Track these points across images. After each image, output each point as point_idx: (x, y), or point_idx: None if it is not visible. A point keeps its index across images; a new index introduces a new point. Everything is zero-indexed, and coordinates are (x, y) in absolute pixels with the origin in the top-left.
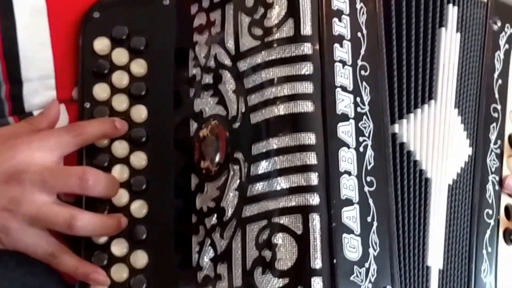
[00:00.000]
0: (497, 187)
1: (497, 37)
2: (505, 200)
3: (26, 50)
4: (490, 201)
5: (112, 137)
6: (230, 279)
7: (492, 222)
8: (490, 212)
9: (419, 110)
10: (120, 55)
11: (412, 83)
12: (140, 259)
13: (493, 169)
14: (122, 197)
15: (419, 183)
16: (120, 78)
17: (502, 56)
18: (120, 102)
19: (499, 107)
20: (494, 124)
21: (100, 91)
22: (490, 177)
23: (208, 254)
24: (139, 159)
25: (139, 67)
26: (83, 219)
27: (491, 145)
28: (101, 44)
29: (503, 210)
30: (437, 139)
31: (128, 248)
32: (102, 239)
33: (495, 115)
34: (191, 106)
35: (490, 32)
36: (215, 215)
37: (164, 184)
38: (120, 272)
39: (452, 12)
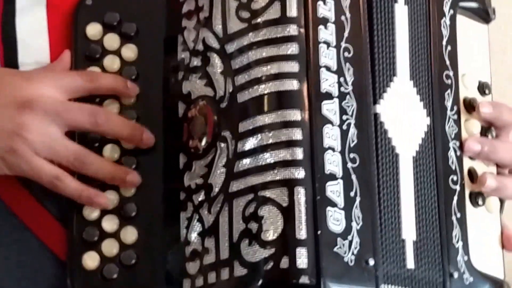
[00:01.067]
0: (458, 153)
1: (441, 4)
2: (467, 164)
3: (23, 36)
4: (453, 167)
5: (121, 96)
6: (217, 252)
7: (458, 187)
8: (455, 178)
9: (388, 89)
10: (112, 40)
11: (384, 63)
12: (130, 235)
13: (452, 136)
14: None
15: (392, 159)
16: (112, 62)
17: (448, 22)
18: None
19: (451, 73)
20: (449, 90)
21: None
22: (451, 144)
23: (196, 229)
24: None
25: (130, 52)
26: (91, 155)
27: (448, 112)
28: (93, 30)
29: (467, 174)
30: (402, 114)
31: (119, 225)
32: (94, 214)
33: (448, 81)
34: (179, 88)
35: (434, 0)
36: (203, 191)
37: (153, 163)
38: (110, 247)
39: None
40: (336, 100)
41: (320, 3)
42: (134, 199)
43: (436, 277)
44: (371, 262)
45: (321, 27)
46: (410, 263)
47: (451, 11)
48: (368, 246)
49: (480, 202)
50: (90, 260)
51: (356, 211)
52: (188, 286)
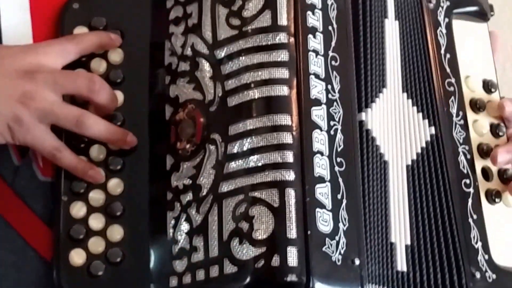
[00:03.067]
0: (468, 156)
1: (435, 15)
2: (480, 163)
3: (8, 41)
4: (465, 171)
5: (107, 48)
6: (206, 250)
7: (471, 190)
8: (468, 181)
9: (377, 99)
10: None
11: (373, 75)
12: (116, 233)
13: (461, 141)
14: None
15: (379, 166)
16: (98, 65)
17: (444, 31)
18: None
19: (453, 80)
20: (452, 97)
21: None
22: (460, 149)
23: (184, 228)
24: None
25: (116, 55)
26: (92, 117)
27: (454, 119)
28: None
29: (481, 173)
30: (392, 124)
31: (105, 223)
32: (81, 213)
33: (451, 89)
34: (166, 92)
35: (427, 12)
36: (191, 191)
37: (139, 164)
38: (97, 245)
39: (390, 2)
40: (324, 107)
41: (309, 12)
42: (120, 198)
43: (434, 279)
44: (357, 262)
45: (310, 36)
46: (402, 266)
47: (446, 19)
48: (354, 246)
49: (497, 199)
50: (77, 256)
51: (343, 213)
52: (175, 284)
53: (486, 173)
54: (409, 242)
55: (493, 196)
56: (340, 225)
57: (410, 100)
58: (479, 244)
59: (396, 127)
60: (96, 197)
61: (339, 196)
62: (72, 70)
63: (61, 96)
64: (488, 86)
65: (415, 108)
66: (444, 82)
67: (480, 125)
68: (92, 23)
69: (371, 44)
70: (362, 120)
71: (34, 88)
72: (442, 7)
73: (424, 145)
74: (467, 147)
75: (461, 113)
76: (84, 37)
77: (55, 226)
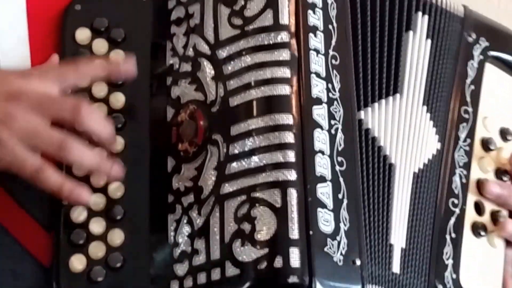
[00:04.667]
0: (464, 180)
1: (471, 48)
2: (475, 197)
3: (4, 46)
4: (456, 191)
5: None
6: (208, 253)
7: (457, 210)
8: (456, 201)
9: (383, 101)
10: (100, 45)
11: (376, 76)
12: (117, 237)
13: (461, 164)
14: (100, 179)
15: (383, 167)
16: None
17: (475, 65)
18: (99, 89)
19: (470, 109)
20: (465, 123)
21: None
22: (458, 170)
23: (185, 231)
24: (116, 145)
25: (117, 57)
26: (76, 144)
27: (460, 142)
28: (82, 34)
29: (473, 206)
30: (402, 130)
31: (106, 227)
32: (81, 217)
33: (466, 116)
34: (168, 93)
35: (464, 42)
36: (192, 193)
37: (140, 166)
38: (97, 250)
39: (421, 20)
40: (325, 106)
41: (310, 11)
42: (121, 202)
43: (421, 286)
44: (358, 262)
45: (311, 34)
46: (396, 268)
47: (481, 57)
48: (355, 246)
49: (482, 233)
50: (77, 262)
51: (344, 213)
52: None
53: (479, 207)
54: (404, 245)
55: (479, 229)
56: (341, 225)
57: (429, 114)
58: (450, 261)
59: (406, 133)
60: (97, 201)
61: (340, 196)
62: (61, 97)
63: (47, 120)
64: (504, 133)
65: (432, 122)
66: (460, 107)
67: (486, 162)
68: (94, 24)
69: (377, 49)
70: (361, 119)
71: (17, 109)
72: (480, 45)
73: (430, 157)
74: (464, 172)
75: (468, 140)
76: (87, 68)
77: (55, 231)
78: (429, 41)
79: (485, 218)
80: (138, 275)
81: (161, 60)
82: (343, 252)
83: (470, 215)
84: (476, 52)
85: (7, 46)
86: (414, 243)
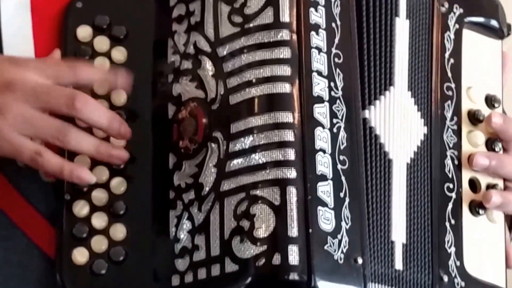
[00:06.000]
0: (456, 162)
1: (445, 19)
2: (469, 174)
3: (9, 42)
4: (450, 175)
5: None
6: (208, 249)
7: (453, 195)
8: (451, 186)
9: (382, 97)
10: (102, 43)
11: (378, 72)
12: (119, 232)
13: (451, 145)
14: (102, 174)
15: (384, 164)
16: (101, 64)
17: (452, 36)
18: (101, 86)
19: (452, 85)
20: (449, 101)
21: None
22: (449, 152)
23: (186, 227)
24: (119, 141)
25: (119, 54)
26: (73, 129)
27: (447, 122)
28: (84, 32)
29: (468, 184)
30: (397, 122)
31: (108, 222)
32: (84, 211)
33: (449, 93)
34: (169, 90)
35: (438, 14)
36: (193, 190)
37: (142, 163)
38: (100, 244)
39: (402, 1)
40: (327, 104)
41: (312, 9)
42: (123, 197)
43: (425, 279)
44: (360, 261)
45: (313, 33)
46: (398, 264)
47: (457, 26)
48: (357, 245)
49: (481, 211)
50: (80, 255)
51: (346, 211)
52: (177, 282)
53: (474, 184)
54: (405, 241)
55: (477, 208)
56: (343, 223)
57: (413, 99)
58: (452, 249)
59: (399, 125)
60: (99, 196)
61: (341, 195)
62: (57, 86)
63: (43, 110)
64: (491, 101)
65: (416, 107)
66: (443, 85)
67: (475, 136)
68: (96, 21)
69: (377, 41)
70: (365, 118)
71: (12, 99)
72: (455, 13)
73: (419, 143)
74: (456, 153)
75: (455, 118)
76: (84, 70)
77: (58, 225)
78: (407, 21)
79: (482, 194)
80: (140, 269)
81: (163, 57)
82: (344, 251)
83: (467, 195)
84: (451, 21)
85: (12, 42)
86: (414, 236)
